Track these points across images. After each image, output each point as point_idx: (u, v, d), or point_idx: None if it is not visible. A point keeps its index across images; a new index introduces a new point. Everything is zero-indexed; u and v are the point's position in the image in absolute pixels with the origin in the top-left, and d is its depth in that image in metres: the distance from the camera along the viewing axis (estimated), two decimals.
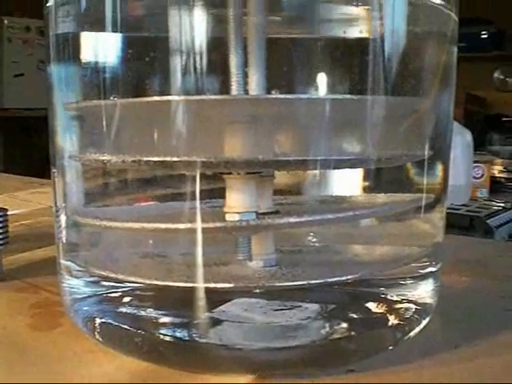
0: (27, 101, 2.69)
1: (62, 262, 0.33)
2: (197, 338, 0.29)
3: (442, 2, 0.32)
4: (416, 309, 0.32)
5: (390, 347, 0.30)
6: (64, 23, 0.32)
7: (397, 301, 0.33)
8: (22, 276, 0.42)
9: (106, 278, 0.31)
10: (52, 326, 0.33)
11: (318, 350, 0.29)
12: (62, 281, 0.33)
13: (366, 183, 0.33)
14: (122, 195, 0.34)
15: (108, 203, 0.35)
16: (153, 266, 0.33)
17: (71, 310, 0.33)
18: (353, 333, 0.30)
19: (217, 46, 0.29)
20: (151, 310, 0.32)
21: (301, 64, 0.30)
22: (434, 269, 0.33)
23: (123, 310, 0.32)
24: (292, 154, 0.30)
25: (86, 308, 0.32)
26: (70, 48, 0.32)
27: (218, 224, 0.29)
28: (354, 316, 0.32)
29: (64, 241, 0.33)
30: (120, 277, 0.30)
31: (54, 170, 0.33)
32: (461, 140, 1.33)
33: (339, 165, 0.31)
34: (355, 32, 0.31)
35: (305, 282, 0.29)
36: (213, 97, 0.29)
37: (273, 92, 0.30)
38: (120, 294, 0.33)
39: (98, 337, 0.31)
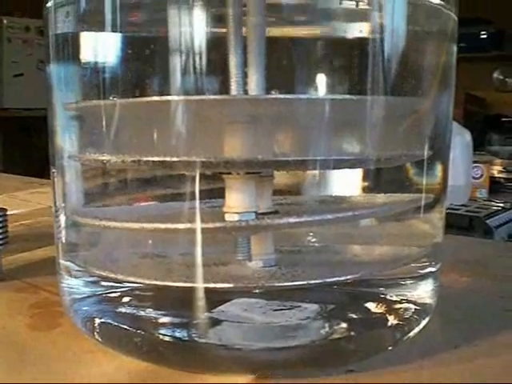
0: (27, 101, 2.69)
1: (62, 262, 0.33)
2: (196, 338, 0.29)
3: (442, 2, 0.32)
4: (415, 309, 0.32)
5: (390, 347, 0.30)
6: (63, 23, 0.32)
7: (396, 301, 0.33)
8: (22, 276, 0.42)
9: (106, 278, 0.31)
10: (51, 326, 0.33)
11: (318, 350, 0.29)
12: (62, 281, 0.33)
13: (366, 183, 0.33)
14: (122, 195, 0.34)
15: (107, 203, 0.35)
16: (152, 266, 0.33)
17: (71, 310, 0.33)
18: (352, 333, 0.30)
19: (216, 46, 0.29)
20: (151, 310, 0.32)
21: (300, 64, 0.30)
22: (433, 269, 0.33)
23: (123, 310, 0.32)
24: (291, 154, 0.30)
25: (85, 308, 0.32)
26: (69, 48, 0.32)
27: (218, 224, 0.29)
28: (354, 316, 0.32)
29: (63, 241, 0.33)
30: (119, 277, 0.30)
31: (53, 170, 0.33)
32: (460, 140, 1.33)
33: (339, 165, 0.31)
34: (355, 32, 0.31)
35: (304, 282, 0.29)
36: (212, 97, 0.29)
37: (272, 92, 0.30)
38: (119, 294, 0.33)
39: (97, 337, 0.31)
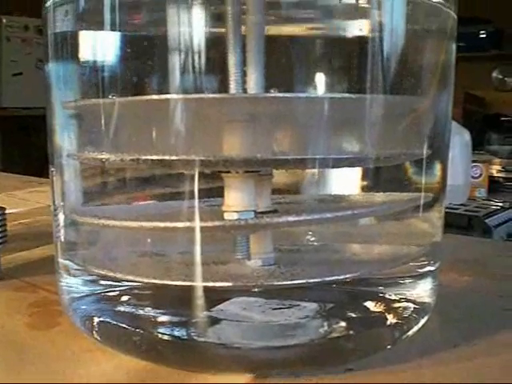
0: (25, 100, 2.69)
1: (60, 260, 0.33)
2: (195, 337, 0.29)
3: (441, 0, 0.32)
4: (414, 308, 0.32)
5: (389, 346, 0.30)
6: (62, 22, 0.32)
7: (395, 300, 0.33)
8: (20, 275, 0.42)
9: (105, 277, 0.31)
10: (50, 325, 0.33)
11: (317, 348, 0.29)
12: (60, 280, 0.33)
13: (365, 182, 0.33)
14: (121, 194, 0.34)
15: (106, 202, 0.35)
16: (151, 265, 0.33)
17: (69, 308, 0.33)
18: (351, 332, 0.30)
19: (215, 45, 0.29)
20: (149, 308, 0.32)
21: (299, 62, 0.30)
22: (432, 268, 0.33)
23: (121, 308, 0.32)
24: (290, 153, 0.30)
25: (84, 307, 0.32)
26: (68, 47, 0.32)
27: (217, 223, 0.29)
28: (353, 315, 0.32)
29: (62, 240, 0.33)
30: (118, 275, 0.30)
31: (52, 169, 0.33)
32: (459, 139, 1.33)
33: (338, 164, 0.31)
34: (354, 30, 0.31)
35: (303, 281, 0.29)
36: (211, 95, 0.29)
37: (271, 91, 0.30)
38: (118, 292, 0.33)
39: (96, 336, 0.31)
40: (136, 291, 0.32)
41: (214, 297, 0.30)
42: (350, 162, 0.31)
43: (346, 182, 0.34)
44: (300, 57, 0.31)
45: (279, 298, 0.31)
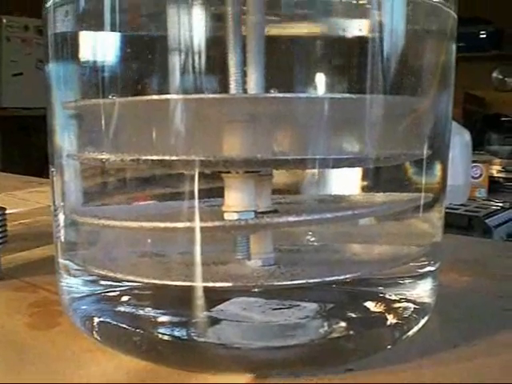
0: (26, 100, 2.69)
1: (61, 260, 0.33)
2: (195, 337, 0.29)
3: (441, 0, 0.32)
4: (414, 308, 0.32)
5: (389, 346, 0.30)
6: (63, 23, 0.32)
7: (395, 300, 0.33)
8: (21, 275, 0.42)
9: (105, 277, 0.31)
10: (50, 325, 0.33)
11: (317, 349, 0.29)
12: (61, 280, 0.33)
13: (365, 182, 0.33)
14: (121, 194, 0.34)
15: (106, 202, 0.35)
16: (151, 265, 0.33)
17: (69, 309, 0.33)
18: (351, 332, 0.30)
19: (215, 45, 0.29)
20: (149, 309, 0.32)
21: (299, 63, 0.30)
22: (432, 268, 0.33)
23: (121, 308, 0.32)
24: (291, 153, 0.30)
25: (84, 307, 0.32)
26: (68, 47, 0.32)
27: (217, 223, 0.29)
28: (353, 315, 0.32)
29: (62, 240, 0.33)
30: (118, 276, 0.30)
31: (52, 169, 0.33)
32: (459, 140, 1.33)
33: (338, 164, 0.31)
34: (354, 30, 0.31)
35: (303, 281, 0.29)
36: (211, 96, 0.29)
37: (271, 91, 0.30)
38: (118, 292, 0.33)
39: (96, 336, 0.31)
40: (136, 291, 0.32)
41: (214, 297, 0.30)
42: (350, 163, 0.31)
43: (346, 182, 0.34)
44: (300, 57, 0.31)
45: (279, 298, 0.31)
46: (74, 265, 0.32)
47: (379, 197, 0.32)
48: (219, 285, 0.28)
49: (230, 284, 0.28)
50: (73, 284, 0.33)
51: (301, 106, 0.29)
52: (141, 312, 0.32)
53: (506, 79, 2.79)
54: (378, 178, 0.33)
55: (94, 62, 0.32)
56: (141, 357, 0.29)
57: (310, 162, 0.29)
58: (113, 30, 0.30)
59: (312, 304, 0.31)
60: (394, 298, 0.33)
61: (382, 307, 0.32)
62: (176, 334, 0.29)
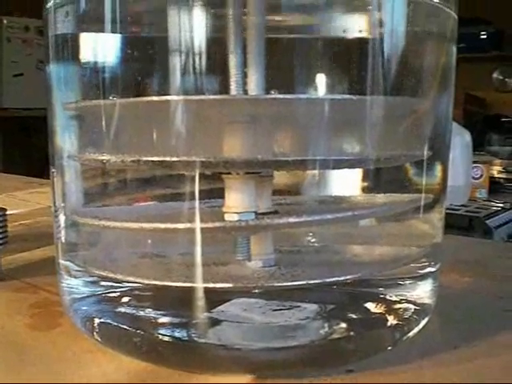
0: (26, 100, 2.69)
1: (61, 261, 0.33)
2: (196, 338, 0.29)
3: (442, 1, 0.32)
4: (415, 309, 0.32)
5: (389, 347, 0.30)
6: (63, 23, 0.32)
7: (396, 301, 0.33)
8: (21, 276, 0.42)
9: (105, 278, 0.31)
10: (51, 326, 0.33)
11: (317, 350, 0.29)
12: (61, 281, 0.33)
13: (365, 183, 0.33)
14: (121, 195, 0.34)
15: (107, 203, 0.35)
16: (152, 266, 0.33)
17: (70, 309, 0.33)
18: (352, 333, 0.30)
19: (216, 46, 0.29)
20: (150, 309, 0.32)
21: (300, 64, 0.30)
22: (433, 269, 0.33)
23: (122, 309, 0.32)
24: (291, 154, 0.30)
25: (84, 308, 0.32)
26: (69, 48, 0.32)
27: (217, 224, 0.29)
28: (353, 316, 0.32)
29: (63, 241, 0.33)
30: (119, 277, 0.30)
31: (53, 170, 0.33)
32: (460, 140, 1.33)
33: (338, 165, 0.31)
34: (354, 31, 0.31)
35: (304, 282, 0.29)
36: (212, 97, 0.29)
37: (272, 92, 0.30)
38: (119, 293, 0.33)
39: (96, 337, 0.31)
40: (137, 292, 0.32)
41: (215, 298, 0.30)
42: (351, 164, 0.31)
43: (346, 183, 0.34)
44: (300, 58, 0.31)
45: (280, 299, 0.31)
46: (75, 266, 0.32)
47: (380, 198, 0.32)
48: (220, 286, 0.28)
49: (230, 285, 0.28)
50: (73, 285, 0.33)
51: (301, 107, 0.29)
52: (141, 313, 0.32)
53: (506, 80, 2.79)
54: (379, 178, 0.33)
55: (95, 62, 0.32)
56: (141, 358, 0.29)
57: (311, 163, 0.29)
58: (113, 31, 0.30)
59: (312, 305, 0.31)
60: (394, 299, 0.33)
61: (382, 308, 0.32)
62: (176, 334, 0.29)
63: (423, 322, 0.32)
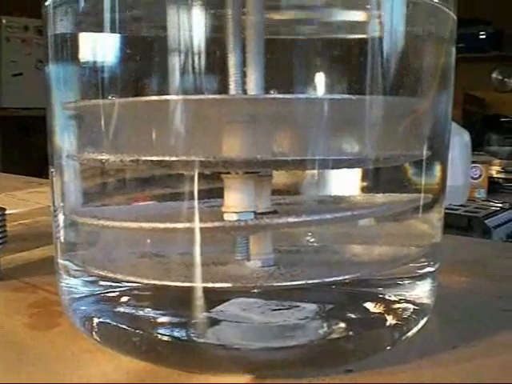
0: (25, 100, 2.69)
1: (60, 261, 0.33)
2: (195, 338, 0.29)
3: (441, 1, 0.32)
4: (414, 309, 0.32)
5: (388, 347, 0.30)
6: (62, 23, 0.32)
7: (395, 301, 0.33)
8: (20, 275, 0.42)
9: (104, 278, 0.31)
10: (50, 326, 0.33)
11: (316, 349, 0.29)
12: (60, 280, 0.33)
13: (365, 183, 0.33)
14: (120, 195, 0.34)
15: (106, 203, 0.35)
16: (151, 266, 0.33)
17: (69, 309, 0.33)
18: (351, 333, 0.30)
19: (215, 46, 0.29)
20: (149, 309, 0.32)
21: (299, 64, 0.30)
22: (432, 269, 0.33)
23: (121, 309, 0.32)
24: (290, 154, 0.30)
25: (83, 307, 0.32)
26: (68, 47, 0.32)
27: (216, 224, 0.29)
28: (352, 316, 0.32)
29: (62, 240, 0.33)
30: (118, 276, 0.30)
31: (52, 170, 0.33)
32: (459, 140, 1.33)
33: (337, 165, 0.31)
34: (354, 31, 0.31)
35: (303, 282, 0.29)
36: (211, 96, 0.29)
37: (271, 92, 0.30)
38: (118, 293, 0.33)
39: (96, 336, 0.31)
40: (136, 292, 0.32)
41: (214, 298, 0.30)
42: (350, 163, 0.31)
43: (345, 183, 0.34)
44: (300, 58, 0.31)
45: (279, 298, 0.31)
46: (74, 265, 0.32)
47: (379, 198, 0.32)
48: (219, 285, 0.28)
49: (229, 285, 0.28)
50: (72, 284, 0.33)
51: (300, 107, 0.29)
52: (140, 313, 0.32)
53: (505, 80, 2.79)
54: (378, 178, 0.33)
55: (94, 62, 0.32)
56: (140, 357, 0.29)
57: (310, 163, 0.29)
58: (112, 30, 0.30)
59: (311, 305, 0.31)
60: (393, 298, 0.33)
61: (381, 308, 0.32)
62: (175, 334, 0.29)
63: (422, 322, 0.32)
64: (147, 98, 0.30)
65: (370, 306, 0.32)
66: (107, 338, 0.30)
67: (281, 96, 0.30)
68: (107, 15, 0.29)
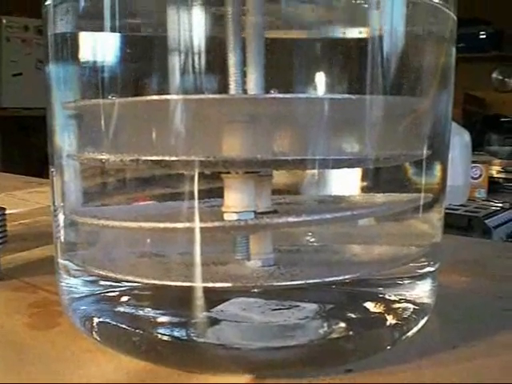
0: (25, 100, 2.69)
1: (60, 261, 0.33)
2: (195, 338, 0.29)
3: (441, 1, 0.32)
4: (414, 309, 0.32)
5: (388, 347, 0.30)
6: (62, 22, 0.32)
7: (395, 300, 0.33)
8: (20, 275, 0.42)
9: (104, 278, 0.31)
10: (50, 326, 0.33)
11: (316, 349, 0.29)
12: (60, 280, 0.33)
13: (365, 183, 0.33)
14: (120, 194, 0.34)
15: (106, 202, 0.35)
16: (151, 266, 0.33)
17: (69, 309, 0.33)
18: (351, 332, 0.30)
19: (215, 46, 0.29)
20: (149, 309, 0.32)
21: (299, 63, 0.30)
22: (432, 269, 0.33)
23: (121, 309, 0.32)
24: (290, 154, 0.30)
25: (83, 307, 0.32)
26: (68, 47, 0.32)
27: (217, 223, 0.29)
28: (352, 316, 0.32)
29: (62, 240, 0.33)
30: (118, 276, 0.30)
31: (52, 170, 0.33)
32: (459, 140, 1.33)
33: (337, 164, 0.31)
34: (354, 31, 0.31)
35: (303, 282, 0.29)
36: (211, 96, 0.29)
37: (271, 91, 0.30)
38: (118, 293, 0.33)
39: (96, 336, 0.31)
40: (136, 292, 0.32)
41: (214, 297, 0.30)
42: (350, 163, 0.31)
43: (345, 182, 0.34)
44: (300, 58, 0.31)
45: (279, 298, 0.31)
46: (74, 265, 0.32)
47: (379, 197, 0.32)
48: (219, 285, 0.28)
49: (229, 284, 0.28)
50: (72, 284, 0.33)
51: (300, 107, 0.29)
52: (140, 312, 0.32)
53: (505, 80, 2.79)
54: (378, 178, 0.33)
55: (94, 62, 0.32)
56: (140, 357, 0.29)
57: (310, 163, 0.29)
58: (112, 30, 0.30)
59: (311, 304, 0.31)
60: (393, 298, 0.33)
61: (381, 308, 0.32)
62: (175, 334, 0.29)
63: (422, 322, 0.32)
64: (147, 98, 0.30)
65: (370, 305, 0.32)
66: (107, 337, 0.30)
67: (281, 96, 0.29)
68: (107, 15, 0.29)
